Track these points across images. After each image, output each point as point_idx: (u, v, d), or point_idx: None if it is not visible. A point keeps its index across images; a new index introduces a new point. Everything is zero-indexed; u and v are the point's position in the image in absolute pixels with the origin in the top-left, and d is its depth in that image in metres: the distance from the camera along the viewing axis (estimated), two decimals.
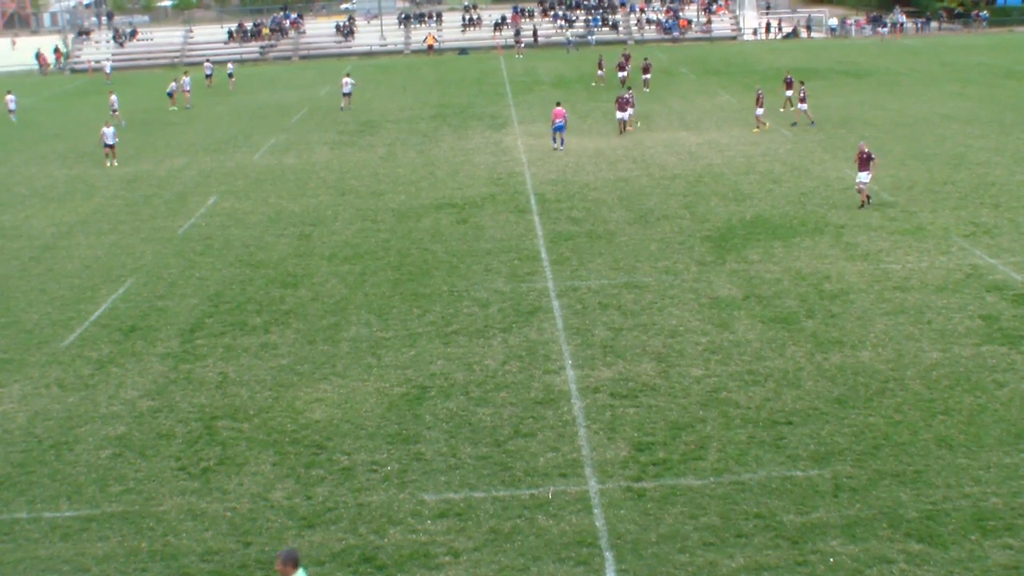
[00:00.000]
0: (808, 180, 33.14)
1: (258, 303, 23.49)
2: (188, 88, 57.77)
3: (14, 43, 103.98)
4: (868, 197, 29.28)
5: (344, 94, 53.91)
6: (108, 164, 40.57)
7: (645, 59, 58.27)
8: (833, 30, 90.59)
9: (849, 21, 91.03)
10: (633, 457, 15.64)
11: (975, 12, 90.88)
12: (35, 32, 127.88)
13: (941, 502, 14.05)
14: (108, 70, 75.32)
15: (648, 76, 55.96)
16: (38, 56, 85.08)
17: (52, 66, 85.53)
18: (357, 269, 25.67)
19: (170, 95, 57.21)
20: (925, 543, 13.11)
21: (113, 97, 53.07)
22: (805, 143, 39.25)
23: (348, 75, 56.85)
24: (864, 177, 28.97)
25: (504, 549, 13.42)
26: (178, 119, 53.51)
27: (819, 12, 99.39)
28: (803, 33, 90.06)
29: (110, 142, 40.66)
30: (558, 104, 41.40)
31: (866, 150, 28.98)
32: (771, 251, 25.64)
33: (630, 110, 43.45)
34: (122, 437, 17.08)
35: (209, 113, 55.20)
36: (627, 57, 59.17)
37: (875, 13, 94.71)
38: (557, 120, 39.99)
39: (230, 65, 69.94)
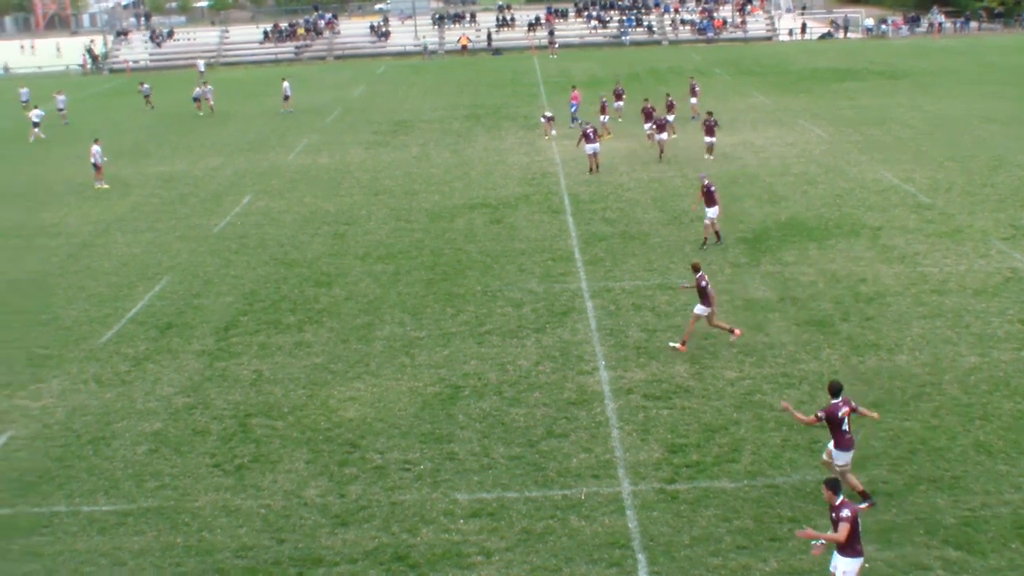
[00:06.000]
0: (843, 181, 32.85)
1: (292, 302, 23.63)
2: (210, 96, 57.85)
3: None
4: (718, 234, 26.27)
5: (285, 97, 55.13)
6: (98, 185, 37.11)
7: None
8: (870, 30, 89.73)
9: (886, 22, 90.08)
10: (666, 459, 15.58)
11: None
12: (75, 33, 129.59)
13: (980, 509, 13.88)
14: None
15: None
16: (83, 56, 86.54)
17: (90, 65, 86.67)
18: (391, 268, 25.76)
19: (196, 100, 57.64)
20: (963, 550, 12.95)
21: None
22: (840, 144, 38.91)
23: (285, 80, 57.37)
24: (710, 212, 25.80)
25: (536, 549, 13.42)
26: (214, 119, 53.95)
27: (855, 12, 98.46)
28: (839, 33, 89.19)
29: (97, 161, 36.84)
30: (573, 88, 48.18)
31: (706, 183, 25.94)
32: (806, 253, 25.43)
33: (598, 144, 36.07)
34: (158, 433, 17.26)
35: (243, 113, 55.61)
36: (619, 93, 47.42)
37: (912, 13, 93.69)
38: (573, 102, 46.77)
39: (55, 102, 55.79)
